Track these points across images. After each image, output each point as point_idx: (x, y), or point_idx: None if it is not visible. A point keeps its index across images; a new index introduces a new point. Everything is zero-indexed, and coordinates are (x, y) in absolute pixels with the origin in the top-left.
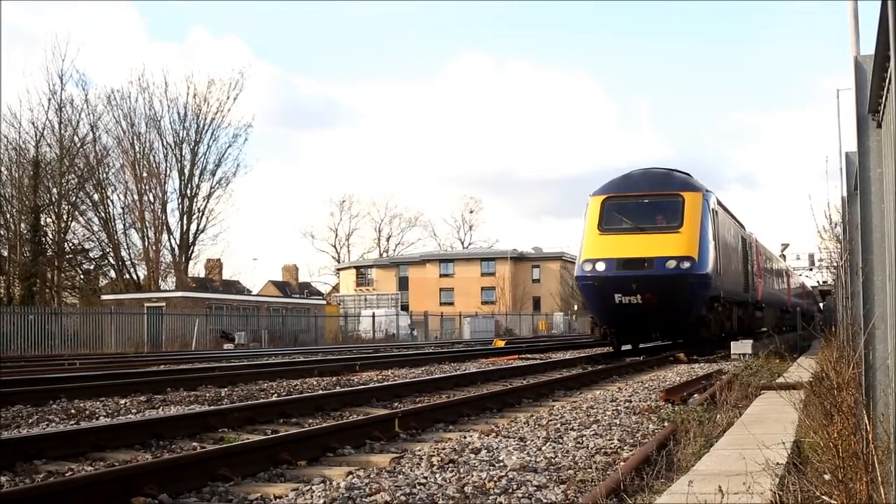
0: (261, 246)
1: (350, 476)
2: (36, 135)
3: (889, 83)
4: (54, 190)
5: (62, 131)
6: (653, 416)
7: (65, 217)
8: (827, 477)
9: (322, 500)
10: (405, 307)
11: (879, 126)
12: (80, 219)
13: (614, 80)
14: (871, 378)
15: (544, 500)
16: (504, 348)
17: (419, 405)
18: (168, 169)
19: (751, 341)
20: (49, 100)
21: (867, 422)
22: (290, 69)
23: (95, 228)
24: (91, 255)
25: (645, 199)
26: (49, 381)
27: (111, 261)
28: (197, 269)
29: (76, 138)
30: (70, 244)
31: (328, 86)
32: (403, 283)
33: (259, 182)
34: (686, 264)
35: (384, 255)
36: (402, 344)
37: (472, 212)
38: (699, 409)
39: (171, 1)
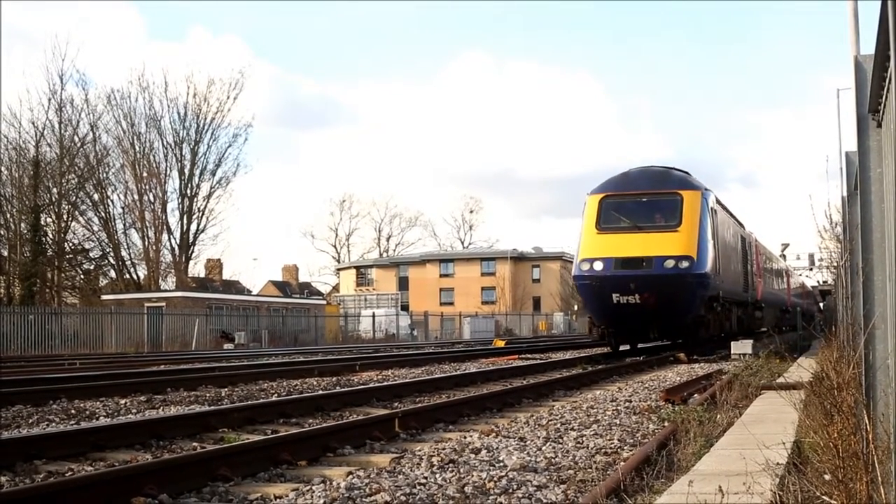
0: (261, 246)
1: (350, 476)
2: (36, 134)
3: (889, 83)
4: (54, 190)
5: (62, 131)
6: (653, 416)
7: (65, 217)
8: (827, 477)
9: (322, 500)
10: (405, 307)
11: (879, 126)
12: (80, 219)
13: (614, 79)
14: (872, 378)
15: (544, 500)
16: (504, 348)
17: (419, 405)
18: (168, 169)
19: (751, 341)
20: (49, 99)
21: (867, 422)
22: (290, 69)
23: (95, 228)
24: (91, 254)
25: (643, 197)
26: (49, 381)
27: (111, 261)
28: (197, 269)
29: (76, 138)
30: (70, 244)
31: (328, 86)
32: (403, 283)
33: (259, 182)
34: (685, 264)
35: (384, 255)
36: (402, 344)
37: (472, 212)
38: (699, 409)
39: (171, 1)
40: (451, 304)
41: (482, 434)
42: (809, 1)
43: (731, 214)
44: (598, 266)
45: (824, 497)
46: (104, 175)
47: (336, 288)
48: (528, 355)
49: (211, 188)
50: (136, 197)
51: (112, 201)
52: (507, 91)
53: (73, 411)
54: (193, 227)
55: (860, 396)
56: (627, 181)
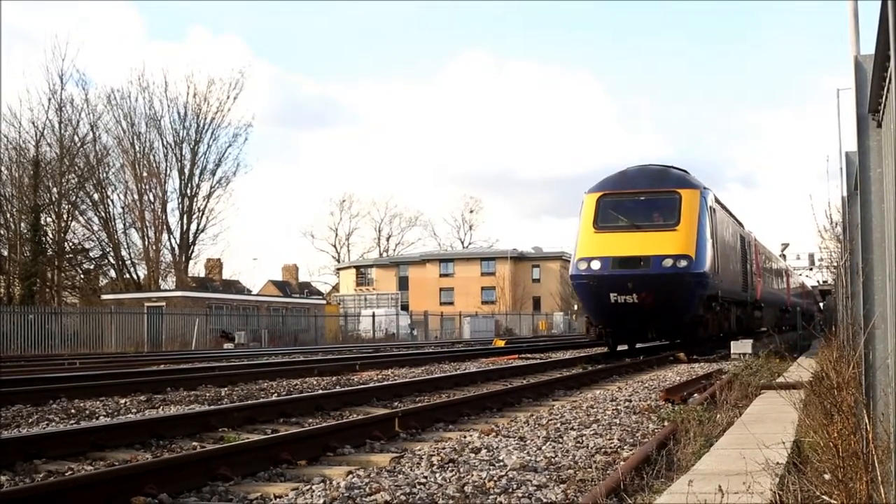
0: (261, 246)
1: (350, 475)
2: (36, 134)
3: (889, 83)
4: (54, 189)
5: (62, 131)
6: (653, 416)
7: (65, 217)
8: (827, 476)
9: (322, 500)
10: (405, 307)
11: (879, 126)
12: (80, 218)
13: (614, 79)
14: (871, 378)
15: (544, 500)
16: (504, 348)
17: (419, 405)
18: (168, 168)
19: (751, 341)
20: (49, 99)
21: (867, 421)
22: (290, 69)
23: (95, 228)
24: (91, 254)
25: (641, 196)
26: (49, 381)
27: (111, 260)
28: (197, 268)
29: (76, 138)
30: (70, 244)
31: (328, 86)
32: (403, 283)
33: (259, 182)
34: (683, 263)
35: (384, 254)
36: (402, 344)
37: (472, 211)
38: (699, 409)
39: (170, 1)
40: (451, 303)
41: (482, 433)
42: (809, 1)
43: (730, 213)
44: (596, 265)
45: (824, 496)
46: (104, 175)
47: (336, 288)
48: (528, 355)
49: (211, 188)
50: (136, 197)
51: (112, 201)
52: (507, 91)
53: (73, 411)
54: (193, 226)
55: (860, 396)
56: (625, 180)
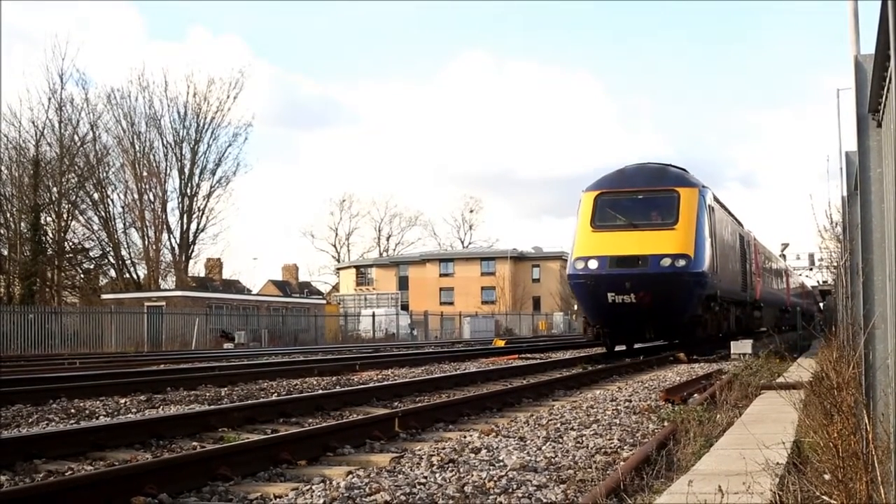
0: (261, 245)
1: (350, 476)
2: (36, 134)
3: (889, 83)
4: (54, 189)
5: (62, 130)
6: (653, 416)
7: (65, 216)
8: (827, 477)
9: (322, 500)
10: (405, 307)
11: (879, 126)
12: (80, 218)
13: (614, 79)
14: (871, 378)
15: (544, 500)
16: (504, 348)
17: (419, 405)
18: (168, 168)
19: (751, 341)
20: (49, 99)
21: (867, 422)
22: (290, 69)
23: (95, 227)
24: (91, 254)
25: (639, 194)
26: (49, 381)
27: (111, 260)
28: (197, 268)
29: (76, 137)
30: (70, 243)
31: (328, 86)
32: (403, 283)
33: (259, 182)
34: (681, 262)
35: (384, 254)
36: (401, 343)
37: (472, 211)
38: (699, 409)
39: (170, 1)
40: (451, 303)
41: (482, 434)
42: (809, 1)
43: (730, 212)
44: (593, 264)
45: (824, 497)
46: (104, 174)
47: (336, 287)
48: (528, 355)
49: (211, 188)
50: (136, 196)
51: (112, 200)
52: (507, 91)
53: (72, 410)
54: (193, 226)
55: (860, 396)
56: (623, 178)
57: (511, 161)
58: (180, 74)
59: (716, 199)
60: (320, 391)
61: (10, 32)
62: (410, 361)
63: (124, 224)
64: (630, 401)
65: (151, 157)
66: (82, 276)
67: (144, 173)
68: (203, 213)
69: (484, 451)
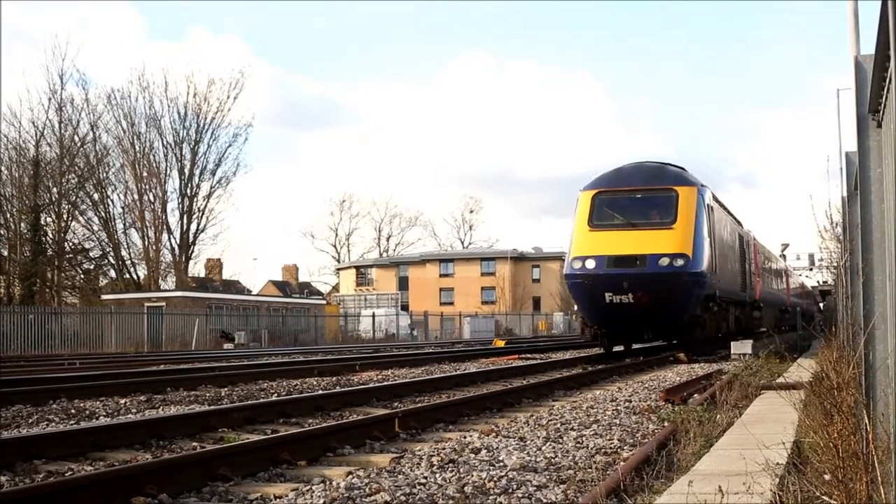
0: (261, 246)
1: (350, 476)
2: (36, 134)
3: (889, 83)
4: (54, 189)
5: (62, 131)
6: (653, 416)
7: (65, 216)
8: (827, 477)
9: (322, 500)
10: (405, 307)
11: (879, 126)
12: (80, 218)
13: (614, 79)
14: (872, 378)
15: (544, 500)
16: (504, 348)
17: (419, 405)
18: (168, 168)
19: (751, 341)
20: (49, 99)
21: (867, 422)
22: (290, 69)
23: (95, 228)
24: (91, 254)
25: (637, 193)
26: (49, 381)
27: (111, 260)
28: (197, 268)
29: (76, 138)
30: (70, 244)
31: (328, 86)
32: (403, 283)
33: (259, 182)
34: (680, 262)
35: (384, 254)
36: (402, 344)
37: (472, 212)
38: (699, 409)
39: (170, 1)
40: (451, 304)
41: (482, 434)
42: (809, 1)
43: (729, 212)
44: (591, 264)
45: (824, 497)
46: (104, 175)
47: (336, 288)
48: (528, 355)
49: (211, 188)
50: (136, 197)
51: (112, 201)
52: (507, 91)
53: (72, 411)
54: (193, 226)
55: (860, 396)
56: (621, 177)
57: (511, 161)
58: (180, 75)
59: (714, 199)
60: (320, 391)
61: (10, 32)
62: (410, 362)
63: (124, 224)
64: (630, 401)
65: (151, 157)
66: (82, 276)
67: (144, 174)
68: (203, 214)
69: (484, 452)
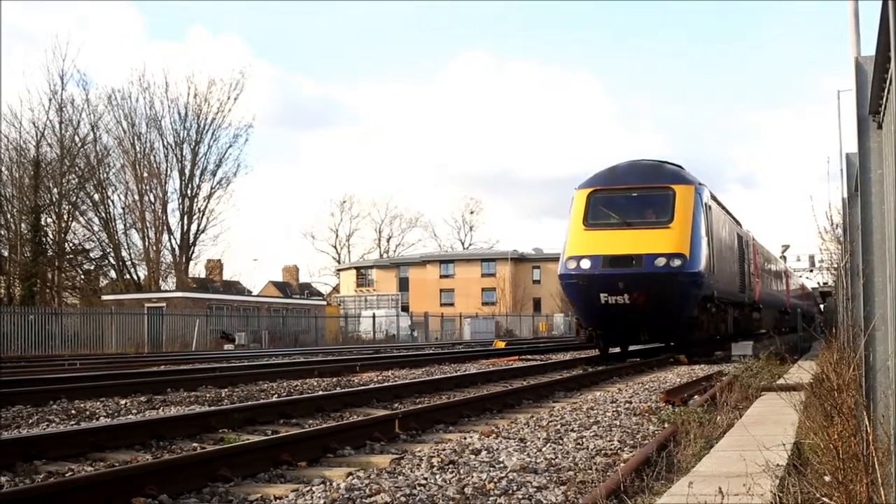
0: (261, 246)
1: (350, 477)
2: (36, 135)
3: (890, 84)
4: (55, 190)
5: (63, 131)
6: (653, 418)
7: (65, 217)
8: (827, 478)
9: (322, 501)
10: (405, 308)
11: (880, 127)
12: (81, 219)
13: (614, 79)
14: (872, 380)
15: (544, 502)
16: (504, 349)
17: (419, 406)
18: (168, 169)
19: (751, 343)
20: (50, 99)
21: (867, 423)
22: (290, 69)
23: (96, 228)
24: (91, 255)
25: (633, 192)
26: (49, 382)
27: (111, 261)
28: (197, 269)
29: (77, 138)
30: (70, 244)
31: (328, 86)
32: (404, 284)
33: (260, 182)
34: (676, 262)
35: (384, 255)
36: (402, 345)
37: (472, 212)
38: (699, 411)
39: (171, 1)
40: (452, 304)
41: (482, 435)
42: (809, 1)
43: (727, 211)
44: (585, 264)
45: (824, 498)
46: (104, 175)
47: (336, 288)
48: (529, 356)
49: (211, 188)
50: (136, 197)
51: (112, 201)
52: (507, 91)
53: (73, 411)
54: (194, 227)
55: (860, 398)
56: (617, 175)
57: (511, 161)
58: (181, 75)
59: (713, 197)
60: (320, 392)
61: (10, 32)
62: (411, 363)
63: (125, 225)
64: (630, 402)
65: (152, 158)
66: (83, 277)
67: (145, 174)
68: (203, 215)
69: (484, 453)
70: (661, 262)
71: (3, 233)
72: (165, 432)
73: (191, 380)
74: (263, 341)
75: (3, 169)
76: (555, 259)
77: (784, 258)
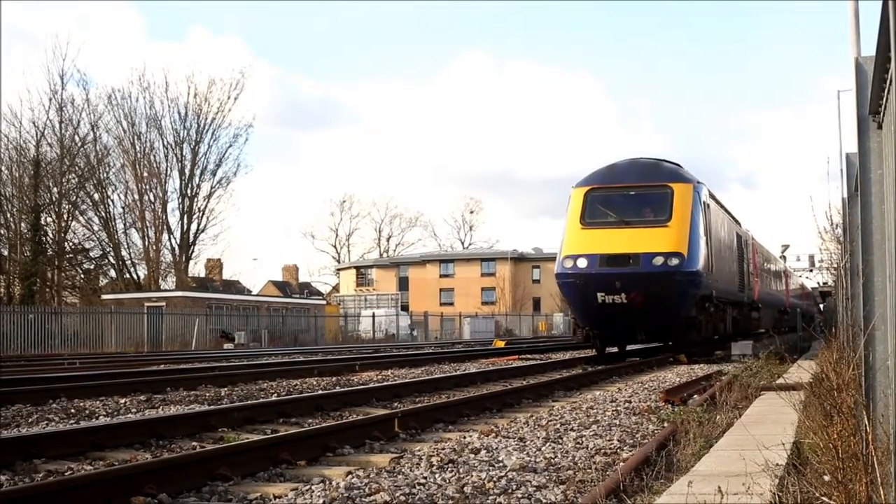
0: (261, 246)
1: (349, 476)
2: (36, 134)
3: (889, 85)
4: (55, 189)
5: (63, 131)
6: (652, 417)
7: (65, 216)
8: (826, 478)
9: (321, 500)
10: (405, 307)
11: (880, 127)
12: (81, 218)
13: (614, 79)
14: (871, 379)
15: (544, 501)
16: (504, 349)
17: (419, 405)
18: (168, 169)
19: (751, 342)
20: (50, 99)
21: (867, 423)
22: (290, 69)
23: (96, 228)
24: (91, 254)
25: (631, 190)
26: (49, 381)
27: (111, 260)
28: (197, 268)
29: (77, 138)
30: (70, 244)
31: (328, 86)
32: (403, 284)
33: (259, 182)
34: (674, 261)
35: (384, 255)
36: (401, 344)
37: (472, 212)
38: (699, 410)
39: (170, 1)
40: (451, 304)
41: (482, 434)
42: (809, 1)
43: (726, 210)
44: (582, 263)
45: (824, 498)
46: (104, 175)
47: (336, 288)
48: (528, 356)
49: (211, 188)
50: (136, 197)
51: (112, 201)
52: (507, 91)
53: (72, 410)
54: (194, 226)
55: (860, 398)
56: (614, 173)
57: (511, 161)
58: (181, 75)
59: (711, 196)
60: (320, 391)
61: (10, 32)
62: (410, 362)
63: (124, 224)
64: (630, 402)
65: (152, 157)
66: (82, 276)
67: (145, 174)
68: (203, 214)
69: (483, 452)
70: (658, 261)
71: (2, 232)
72: (165, 431)
73: (190, 379)
74: (263, 341)
75: (3, 168)
76: (554, 259)
77: (784, 258)
